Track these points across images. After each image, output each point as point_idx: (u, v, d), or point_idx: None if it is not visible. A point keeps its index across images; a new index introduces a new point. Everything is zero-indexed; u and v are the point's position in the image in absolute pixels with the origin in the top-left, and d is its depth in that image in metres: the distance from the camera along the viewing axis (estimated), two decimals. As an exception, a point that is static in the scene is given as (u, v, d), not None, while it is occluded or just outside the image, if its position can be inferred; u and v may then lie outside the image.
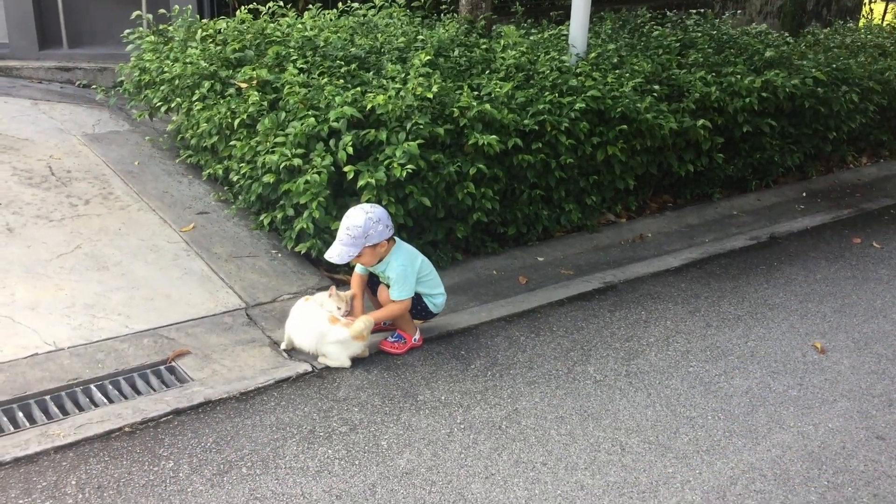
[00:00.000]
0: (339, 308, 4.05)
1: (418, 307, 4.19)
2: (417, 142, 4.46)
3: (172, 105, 5.48)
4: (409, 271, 4.05)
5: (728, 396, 3.96)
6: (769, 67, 6.62)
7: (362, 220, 3.87)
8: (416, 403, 3.77)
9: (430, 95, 4.64)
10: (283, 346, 4.14)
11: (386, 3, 5.90)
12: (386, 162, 4.45)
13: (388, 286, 4.08)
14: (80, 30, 7.56)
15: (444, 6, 5.89)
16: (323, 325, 3.98)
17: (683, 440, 3.59)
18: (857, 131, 7.42)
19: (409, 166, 4.39)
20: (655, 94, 5.66)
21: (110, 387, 3.80)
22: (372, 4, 5.66)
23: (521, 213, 5.29)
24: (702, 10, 7.68)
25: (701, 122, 5.77)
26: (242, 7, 5.71)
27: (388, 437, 3.49)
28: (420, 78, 4.74)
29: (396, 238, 4.11)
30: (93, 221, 5.08)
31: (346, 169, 4.45)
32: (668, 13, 7.47)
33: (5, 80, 7.14)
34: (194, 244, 4.98)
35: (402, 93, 4.59)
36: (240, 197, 5.21)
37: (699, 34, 6.98)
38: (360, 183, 4.41)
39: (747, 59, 6.68)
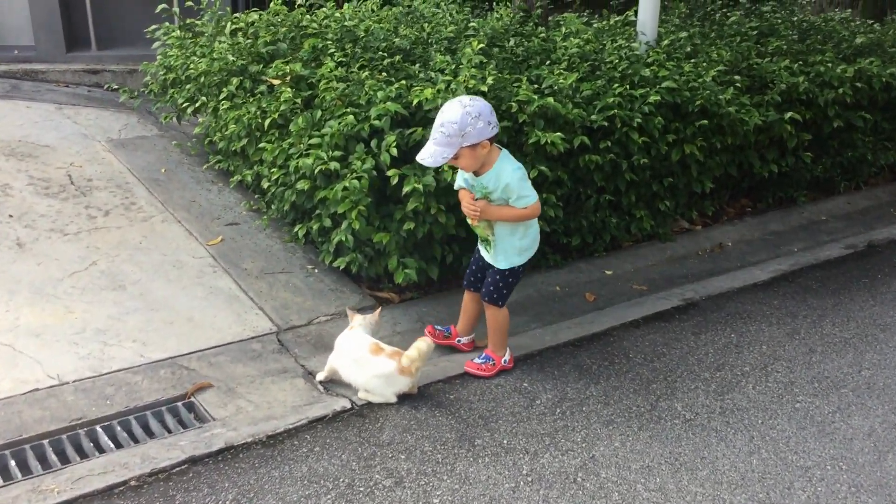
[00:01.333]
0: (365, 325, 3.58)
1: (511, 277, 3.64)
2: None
3: (198, 105, 4.98)
4: (521, 172, 3.43)
5: (848, 440, 3.30)
6: (860, 56, 5.91)
7: (458, 114, 3.23)
8: (473, 449, 3.18)
9: (484, 88, 4.06)
10: (320, 376, 3.60)
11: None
12: (435, 164, 3.88)
13: (488, 199, 3.47)
14: (110, 30, 7.13)
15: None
16: (364, 356, 3.44)
17: (800, 497, 2.95)
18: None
19: (462, 168, 3.81)
20: (738, 85, 5.01)
21: (119, 427, 3.28)
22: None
23: (586, 220, 4.68)
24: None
25: (789, 114, 5.10)
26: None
27: (442, 494, 2.91)
28: (472, 69, 4.16)
29: (503, 148, 3.48)
30: (112, 235, 4.59)
31: (389, 173, 3.89)
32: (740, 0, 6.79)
33: (30, 85, 6.73)
34: (222, 259, 4.46)
35: (452, 85, 4.01)
36: (272, 206, 4.68)
37: (779, 20, 6.30)
38: (406, 188, 3.84)
39: (835, 47, 5.98)
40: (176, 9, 5.55)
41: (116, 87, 6.72)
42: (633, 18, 5.26)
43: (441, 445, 3.20)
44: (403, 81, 4.13)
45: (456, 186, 3.63)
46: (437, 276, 4.22)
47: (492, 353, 3.73)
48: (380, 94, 4.02)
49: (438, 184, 3.88)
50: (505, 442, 3.23)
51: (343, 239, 3.99)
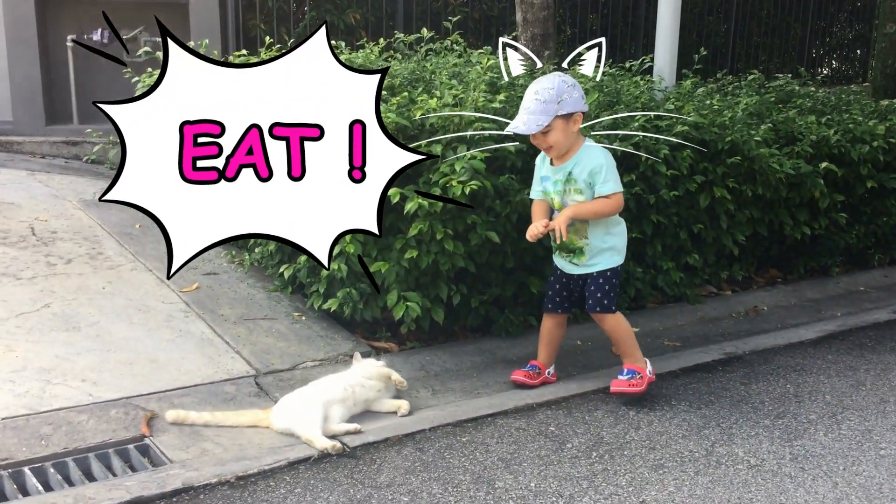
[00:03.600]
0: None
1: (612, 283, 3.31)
2: (484, 154, 3.42)
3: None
4: (612, 158, 3.25)
5: (953, 486, 2.68)
6: (889, 114, 5.59)
7: (554, 81, 3.12)
8: (493, 492, 2.54)
9: (496, 105, 3.64)
10: None
11: (437, 42, 4.99)
12: (441, 182, 3.40)
13: (571, 191, 3.24)
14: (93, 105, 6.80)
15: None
16: None
17: (916, 545, 2.31)
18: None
19: (472, 183, 3.33)
20: (768, 125, 4.62)
21: (52, 470, 2.65)
22: (419, 36, 4.81)
23: (609, 269, 4.14)
24: (789, 74, 6.73)
25: (824, 164, 4.70)
26: (272, 46, 4.86)
27: (457, 538, 2.26)
28: (483, 86, 3.75)
29: (588, 139, 3.30)
30: (71, 280, 4.04)
31: (389, 192, 3.39)
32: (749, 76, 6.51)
33: (4, 155, 6.32)
34: (196, 305, 3.90)
35: (460, 97, 3.60)
36: (256, 250, 4.16)
37: (796, 86, 5.99)
38: (408, 207, 3.35)
39: (860, 109, 5.66)
40: (160, 53, 5.19)
41: (95, 159, 6.34)
42: (649, 64, 4.93)
43: (453, 487, 2.56)
44: (406, 94, 3.71)
45: (532, 194, 3.35)
46: (442, 320, 3.65)
47: (633, 366, 3.29)
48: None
49: (444, 205, 3.39)
50: (532, 485, 2.60)
51: (336, 269, 3.45)
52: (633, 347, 3.32)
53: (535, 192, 3.36)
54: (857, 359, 3.90)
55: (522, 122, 3.11)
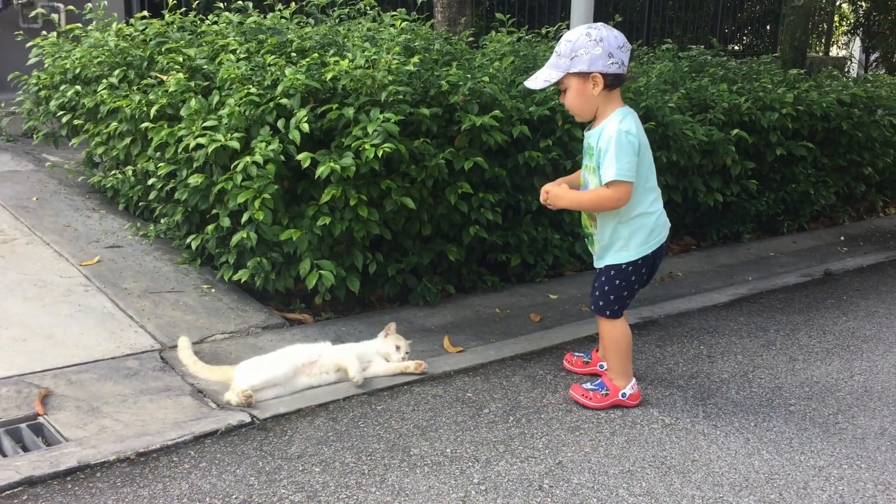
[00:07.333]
0: (398, 348, 3.13)
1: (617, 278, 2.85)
2: (398, 117, 3.32)
3: (78, 111, 4.31)
4: (629, 138, 2.68)
5: (859, 439, 2.74)
6: (796, 85, 5.70)
7: (577, 34, 2.70)
8: (408, 459, 2.47)
9: (410, 68, 3.54)
10: None
11: (350, 7, 4.85)
12: (355, 145, 3.30)
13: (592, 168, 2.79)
14: (-12, 75, 6.44)
15: (417, 18, 4.90)
16: None
17: (821, 498, 2.34)
18: (885, 174, 6.47)
19: (385, 146, 3.23)
20: (683, 95, 4.65)
21: (-66, 452, 2.47)
22: (332, 0, 4.65)
23: (527, 236, 4.11)
24: (703, 46, 6.81)
25: (735, 131, 4.76)
26: (177, 11, 4.63)
27: (369, 506, 2.19)
28: (397, 48, 3.65)
29: (628, 107, 2.79)
30: (-40, 255, 3.80)
31: (300, 157, 3.28)
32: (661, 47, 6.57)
33: None
34: (97, 279, 3.71)
35: (373, 57, 3.49)
36: (162, 221, 3.98)
37: (708, 57, 6.07)
38: (320, 171, 3.23)
39: (770, 78, 5.76)
40: (55, 16, 4.92)
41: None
42: (565, 30, 4.89)
43: (367, 456, 2.48)
44: (316, 55, 3.58)
45: None
46: (358, 290, 3.56)
47: (607, 380, 2.92)
48: (288, 70, 3.45)
49: (358, 169, 3.28)
50: (448, 451, 2.54)
51: (245, 237, 3.32)
52: (620, 363, 2.90)
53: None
54: (767, 320, 3.97)
55: (535, 76, 2.78)
